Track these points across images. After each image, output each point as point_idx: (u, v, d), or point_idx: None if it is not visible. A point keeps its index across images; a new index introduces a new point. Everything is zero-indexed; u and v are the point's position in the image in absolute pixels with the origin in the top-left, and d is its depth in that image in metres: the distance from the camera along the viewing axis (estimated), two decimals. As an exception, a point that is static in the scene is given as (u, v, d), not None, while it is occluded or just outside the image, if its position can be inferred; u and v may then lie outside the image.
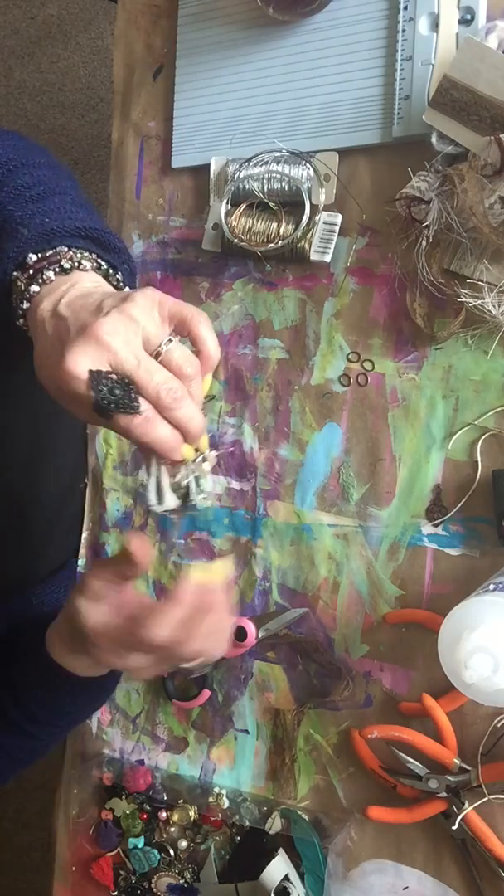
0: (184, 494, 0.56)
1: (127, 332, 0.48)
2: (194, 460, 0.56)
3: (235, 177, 0.76)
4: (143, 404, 0.49)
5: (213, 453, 0.58)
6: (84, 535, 0.89)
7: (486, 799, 0.66)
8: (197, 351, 0.53)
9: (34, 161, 0.64)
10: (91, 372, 0.48)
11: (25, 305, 0.54)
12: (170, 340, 0.51)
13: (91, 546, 0.89)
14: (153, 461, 0.55)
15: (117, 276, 0.59)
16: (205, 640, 0.55)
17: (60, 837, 0.88)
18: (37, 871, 1.85)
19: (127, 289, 0.60)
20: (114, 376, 0.48)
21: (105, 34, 1.98)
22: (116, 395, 0.48)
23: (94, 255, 0.57)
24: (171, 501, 0.56)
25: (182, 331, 0.52)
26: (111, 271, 0.58)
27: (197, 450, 0.55)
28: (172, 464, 0.55)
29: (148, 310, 0.49)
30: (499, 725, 0.67)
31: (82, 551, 0.89)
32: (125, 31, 0.86)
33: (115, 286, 0.58)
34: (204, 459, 0.56)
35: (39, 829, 1.90)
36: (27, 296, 0.54)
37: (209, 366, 0.54)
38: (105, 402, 0.48)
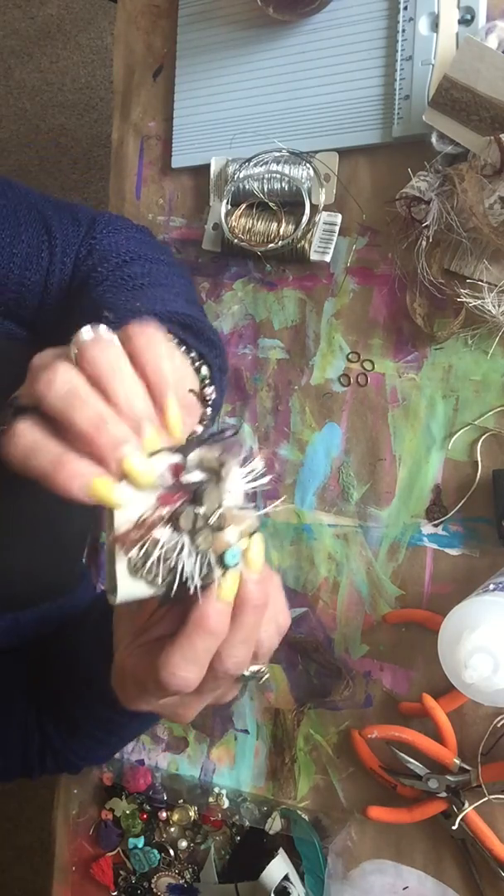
0: (163, 574, 0.36)
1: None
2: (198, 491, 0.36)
3: (235, 177, 0.76)
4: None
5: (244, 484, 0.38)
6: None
7: (486, 799, 0.66)
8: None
9: (153, 256, 0.64)
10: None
11: None
12: None
13: (91, 546, 0.89)
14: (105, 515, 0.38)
15: (201, 367, 0.56)
16: (248, 650, 0.40)
17: (60, 837, 0.88)
18: (36, 871, 1.86)
19: (211, 387, 0.57)
20: None
21: (105, 34, 1.98)
22: None
23: (177, 340, 0.54)
24: (131, 589, 0.36)
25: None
26: (195, 359, 0.56)
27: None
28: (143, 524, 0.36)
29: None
30: (499, 725, 0.67)
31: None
32: (125, 31, 0.86)
33: (200, 377, 0.56)
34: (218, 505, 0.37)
35: (39, 829, 1.90)
36: None
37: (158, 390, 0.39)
38: None
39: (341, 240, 0.74)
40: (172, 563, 0.36)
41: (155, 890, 0.83)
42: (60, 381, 0.37)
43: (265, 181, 0.75)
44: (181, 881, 0.82)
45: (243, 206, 0.77)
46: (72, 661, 0.64)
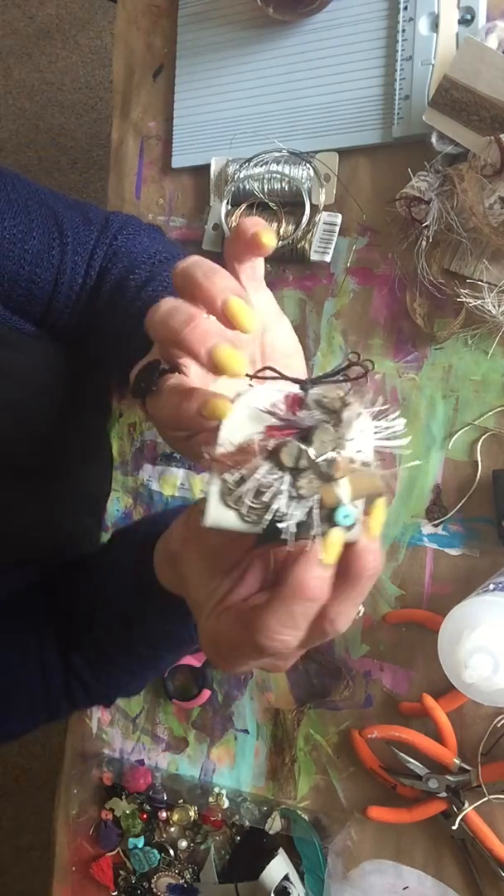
0: (260, 511, 0.33)
1: None
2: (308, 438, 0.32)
3: (236, 177, 0.76)
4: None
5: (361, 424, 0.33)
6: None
7: (486, 799, 0.66)
8: None
9: (181, 255, 0.65)
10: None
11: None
12: None
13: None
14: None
15: None
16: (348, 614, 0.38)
17: (60, 837, 0.88)
18: (36, 871, 1.86)
19: None
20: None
21: (104, 34, 1.98)
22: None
23: None
24: (221, 516, 0.34)
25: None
26: None
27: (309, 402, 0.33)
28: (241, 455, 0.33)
29: None
30: (499, 725, 0.67)
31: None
32: (125, 31, 0.86)
33: None
34: (336, 443, 0.32)
35: (39, 829, 1.90)
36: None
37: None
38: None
39: (341, 240, 0.74)
40: (268, 500, 0.32)
41: (155, 890, 0.83)
42: (164, 304, 0.41)
43: (265, 181, 0.75)
44: (181, 881, 0.82)
45: (243, 206, 0.77)
46: (104, 599, 0.63)
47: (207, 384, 0.42)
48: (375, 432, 0.34)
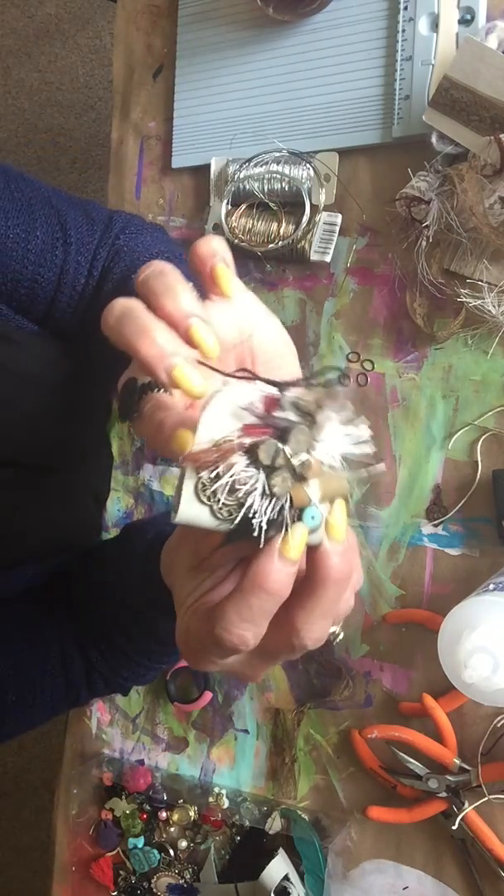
0: (232, 507, 0.33)
1: None
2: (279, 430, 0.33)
3: (236, 177, 0.76)
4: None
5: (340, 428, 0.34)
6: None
7: (486, 799, 0.66)
8: None
9: (182, 253, 0.65)
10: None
11: None
12: None
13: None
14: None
15: None
16: (319, 623, 0.37)
17: (60, 837, 0.88)
18: (36, 871, 1.86)
19: None
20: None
21: (103, 33, 1.98)
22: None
23: None
24: (193, 512, 0.34)
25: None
26: None
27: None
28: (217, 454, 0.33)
29: None
30: (499, 725, 0.67)
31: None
32: (125, 31, 0.86)
33: None
34: (307, 434, 0.34)
35: (38, 829, 1.90)
36: None
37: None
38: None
39: (341, 240, 0.74)
40: (241, 497, 0.33)
41: (155, 890, 0.83)
42: (116, 306, 0.38)
43: (265, 181, 0.75)
44: (181, 881, 0.82)
45: (243, 206, 0.77)
46: (114, 595, 0.64)
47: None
48: (345, 437, 0.35)
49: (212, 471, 0.33)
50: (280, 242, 0.74)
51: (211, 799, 0.80)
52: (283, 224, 0.75)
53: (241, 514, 0.33)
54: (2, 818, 1.96)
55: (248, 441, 0.33)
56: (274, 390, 0.35)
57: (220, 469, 0.33)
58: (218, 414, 0.34)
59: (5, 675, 0.63)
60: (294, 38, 0.75)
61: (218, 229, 0.78)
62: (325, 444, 0.34)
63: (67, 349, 0.68)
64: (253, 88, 0.77)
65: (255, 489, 0.33)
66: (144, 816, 0.83)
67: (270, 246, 0.75)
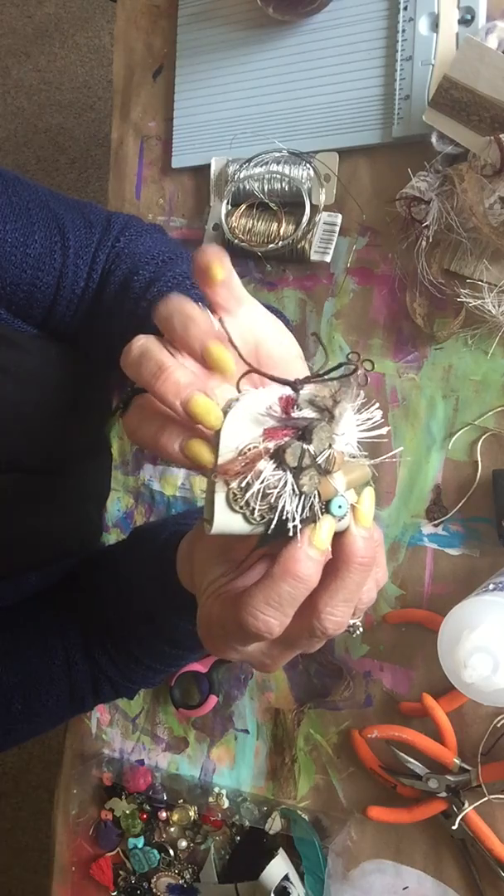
0: (265, 511, 0.34)
1: None
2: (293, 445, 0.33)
3: (236, 177, 0.76)
4: None
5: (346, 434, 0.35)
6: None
7: (486, 799, 0.66)
8: None
9: (186, 255, 0.65)
10: None
11: None
12: None
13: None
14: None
15: None
16: (343, 610, 0.38)
17: (60, 837, 0.88)
18: (35, 871, 1.86)
19: None
20: None
21: (103, 33, 1.98)
22: None
23: None
24: (228, 521, 0.35)
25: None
26: None
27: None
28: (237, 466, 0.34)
29: None
30: (499, 725, 0.67)
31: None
32: (125, 31, 0.86)
33: None
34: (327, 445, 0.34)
35: (37, 830, 1.90)
36: None
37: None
38: None
39: (341, 240, 0.74)
40: (273, 500, 0.34)
41: (155, 890, 0.83)
42: (134, 346, 0.40)
43: (265, 181, 0.75)
44: (181, 881, 0.82)
45: (243, 206, 0.77)
46: (127, 599, 0.64)
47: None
48: (359, 425, 0.36)
49: (241, 480, 0.34)
50: (280, 242, 0.74)
51: (211, 799, 0.80)
52: (283, 224, 0.75)
53: (275, 518, 0.34)
54: (1, 818, 1.96)
55: (272, 445, 0.34)
56: (289, 390, 0.35)
57: (249, 477, 0.34)
58: (238, 422, 0.35)
59: (11, 683, 0.63)
60: (294, 38, 0.75)
61: (218, 229, 0.78)
62: (344, 435, 0.35)
63: (67, 350, 0.68)
64: (253, 88, 0.77)
65: (286, 491, 0.34)
66: (144, 816, 0.83)
67: (270, 246, 0.75)
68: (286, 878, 0.74)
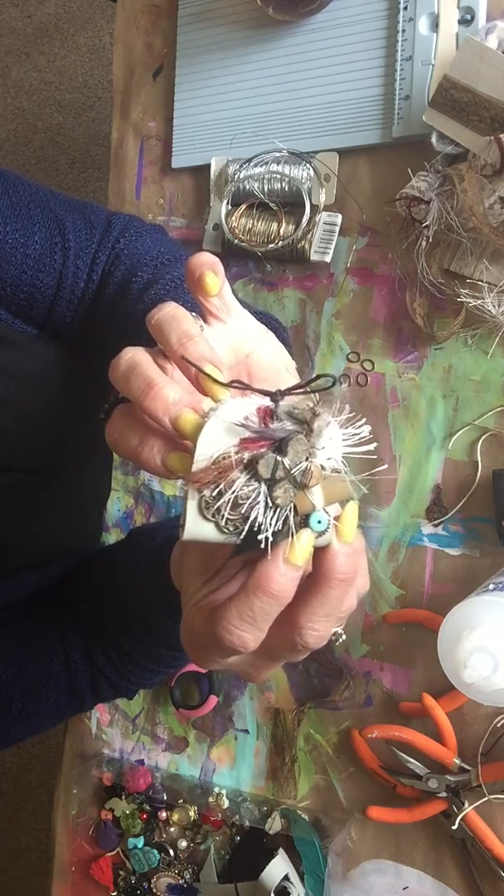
0: (237, 522, 0.34)
1: None
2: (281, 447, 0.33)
3: (236, 177, 0.76)
4: None
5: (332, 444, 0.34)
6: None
7: (486, 799, 0.66)
8: None
9: (185, 256, 0.65)
10: None
11: None
12: None
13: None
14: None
15: None
16: (321, 625, 0.38)
17: (60, 837, 0.88)
18: (34, 871, 1.86)
19: None
20: None
21: (103, 33, 1.98)
22: None
23: None
24: (199, 529, 0.34)
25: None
26: None
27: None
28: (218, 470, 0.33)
29: None
30: (499, 725, 0.67)
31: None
32: (125, 30, 0.86)
33: None
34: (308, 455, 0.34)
35: (37, 830, 1.90)
36: None
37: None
38: None
39: (341, 240, 0.74)
40: (245, 511, 0.33)
41: (155, 890, 0.83)
42: (122, 359, 0.39)
43: (265, 181, 0.75)
44: (181, 881, 0.82)
45: (243, 206, 0.77)
46: (123, 601, 0.64)
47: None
48: (344, 439, 0.35)
49: (214, 488, 0.33)
50: (280, 242, 0.74)
51: (211, 799, 0.80)
52: (283, 224, 0.75)
53: (246, 529, 0.34)
54: (1, 818, 1.96)
55: (246, 456, 0.34)
56: (268, 401, 0.35)
57: (221, 486, 0.33)
58: (214, 431, 0.34)
59: (10, 682, 0.63)
60: (294, 38, 0.75)
61: (218, 229, 0.78)
62: (326, 449, 0.34)
63: (67, 351, 0.68)
64: (253, 88, 0.77)
65: (258, 503, 0.33)
66: (144, 816, 0.83)
67: (270, 246, 0.75)
68: (286, 878, 0.74)
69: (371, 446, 0.35)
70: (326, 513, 0.35)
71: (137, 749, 0.86)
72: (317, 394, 0.36)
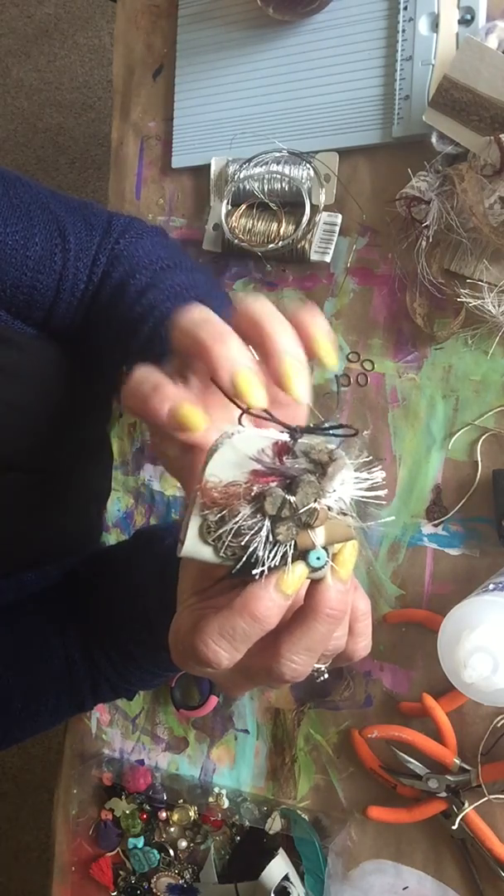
0: (235, 549, 0.34)
1: None
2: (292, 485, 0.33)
3: (236, 177, 0.76)
4: None
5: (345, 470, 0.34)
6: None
7: (486, 799, 0.66)
8: None
9: (186, 264, 0.65)
10: None
11: None
12: None
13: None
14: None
15: None
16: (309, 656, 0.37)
17: (60, 837, 0.88)
18: (34, 871, 1.85)
19: None
20: None
21: (102, 33, 1.98)
22: None
23: None
24: (197, 549, 0.35)
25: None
26: None
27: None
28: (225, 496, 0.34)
29: None
30: (499, 725, 0.67)
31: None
32: (125, 31, 0.86)
33: None
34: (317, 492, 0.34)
35: (37, 830, 1.90)
36: None
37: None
38: None
39: (341, 240, 0.74)
40: (244, 542, 0.34)
41: (155, 890, 0.83)
42: (135, 376, 0.40)
43: (265, 181, 0.75)
44: (181, 881, 0.82)
45: (243, 206, 0.77)
46: (126, 601, 0.64)
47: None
48: (355, 483, 0.35)
49: (217, 514, 0.34)
50: (280, 242, 0.74)
51: (211, 799, 0.80)
52: (283, 224, 0.75)
53: (243, 559, 0.34)
54: (1, 818, 1.96)
55: (255, 489, 0.33)
56: (286, 436, 0.35)
57: (225, 514, 0.33)
58: (229, 455, 0.34)
59: (10, 683, 0.63)
60: (294, 38, 0.75)
61: (218, 229, 0.78)
62: (336, 492, 0.34)
63: (67, 351, 0.68)
64: (253, 88, 0.77)
65: (259, 537, 0.33)
66: (144, 816, 0.83)
67: (270, 246, 0.75)
68: (286, 878, 0.74)
69: (383, 492, 0.35)
70: (326, 550, 0.35)
71: (137, 749, 0.86)
72: (335, 438, 0.35)
